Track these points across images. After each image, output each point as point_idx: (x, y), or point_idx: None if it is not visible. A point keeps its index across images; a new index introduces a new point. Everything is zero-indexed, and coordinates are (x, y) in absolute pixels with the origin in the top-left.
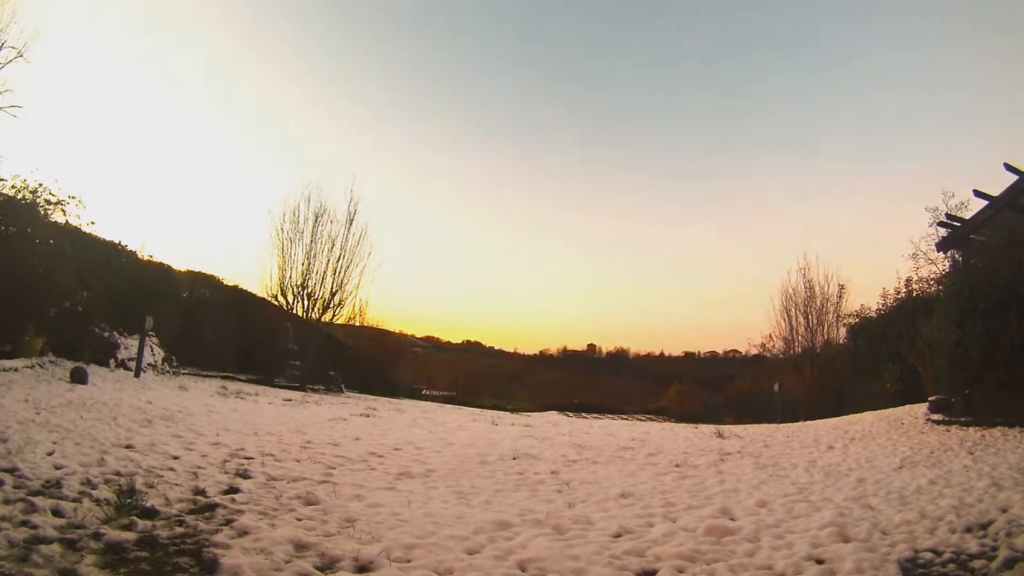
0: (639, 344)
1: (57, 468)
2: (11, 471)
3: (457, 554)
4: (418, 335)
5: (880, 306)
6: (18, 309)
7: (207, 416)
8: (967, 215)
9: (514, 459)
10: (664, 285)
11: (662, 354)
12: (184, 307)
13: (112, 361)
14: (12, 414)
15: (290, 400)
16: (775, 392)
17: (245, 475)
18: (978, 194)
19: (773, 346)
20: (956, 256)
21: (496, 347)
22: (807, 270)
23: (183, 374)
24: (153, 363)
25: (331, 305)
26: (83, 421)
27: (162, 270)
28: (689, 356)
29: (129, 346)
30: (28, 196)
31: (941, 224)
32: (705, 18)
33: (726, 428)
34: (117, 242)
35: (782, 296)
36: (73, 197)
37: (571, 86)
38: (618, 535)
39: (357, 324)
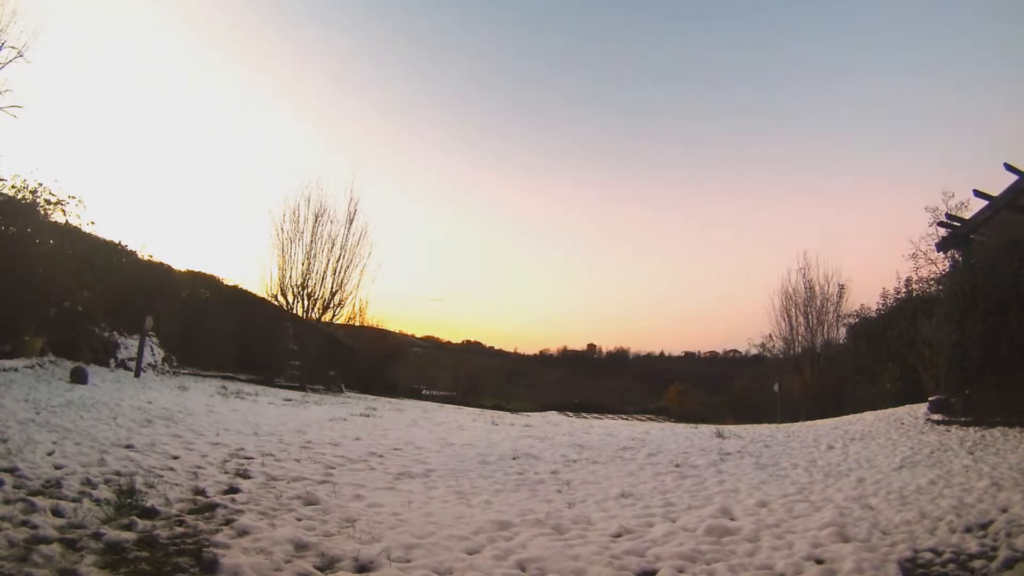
0: (639, 344)
1: (57, 468)
2: (11, 471)
3: (457, 554)
4: (418, 335)
5: (880, 306)
6: (18, 309)
7: (207, 416)
8: (967, 215)
9: (514, 459)
10: (664, 285)
11: (662, 354)
12: (184, 307)
13: (112, 361)
14: (12, 414)
15: (290, 400)
16: (775, 392)
17: (245, 475)
18: (978, 194)
19: (773, 346)
20: (956, 256)
21: (496, 347)
22: (807, 270)
23: (183, 374)
24: (153, 363)
25: (331, 305)
26: (83, 421)
27: (162, 270)
28: (689, 356)
29: (129, 346)
30: (28, 196)
31: (941, 224)
32: (705, 19)
33: (726, 428)
34: (117, 242)
35: (782, 296)
36: (73, 197)
37: (573, 86)
38: (618, 535)
39: (357, 324)
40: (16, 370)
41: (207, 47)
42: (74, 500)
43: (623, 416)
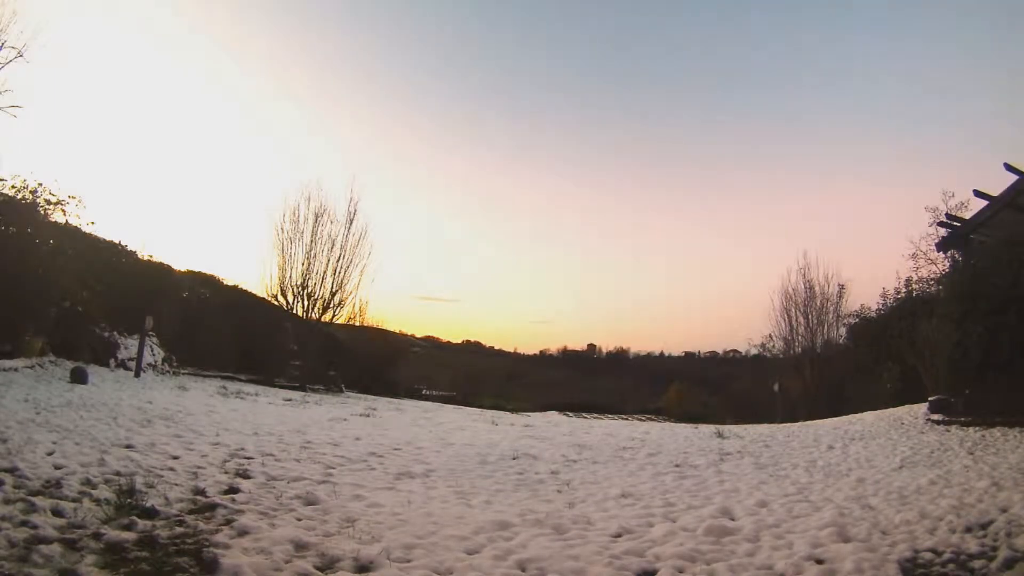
0: (639, 344)
1: (57, 468)
2: (11, 471)
3: (457, 554)
4: (418, 335)
5: (880, 306)
6: (18, 309)
7: (207, 416)
8: (967, 215)
9: (514, 459)
10: (664, 285)
11: (662, 354)
12: (184, 307)
13: (112, 361)
14: (12, 414)
15: (290, 400)
16: (775, 392)
17: (245, 475)
18: (978, 194)
19: (773, 346)
20: (956, 256)
21: (496, 347)
22: (807, 270)
23: (183, 374)
24: (153, 363)
25: (331, 305)
26: (83, 421)
27: (162, 270)
28: (689, 356)
29: (129, 346)
30: (28, 196)
31: (941, 224)
32: (707, 13)
33: (726, 428)
34: (117, 242)
35: (782, 296)
36: (73, 197)
37: (575, 87)
38: (618, 535)
39: (357, 324)
40: (16, 370)
41: (207, 47)
42: (74, 500)
43: (623, 416)
